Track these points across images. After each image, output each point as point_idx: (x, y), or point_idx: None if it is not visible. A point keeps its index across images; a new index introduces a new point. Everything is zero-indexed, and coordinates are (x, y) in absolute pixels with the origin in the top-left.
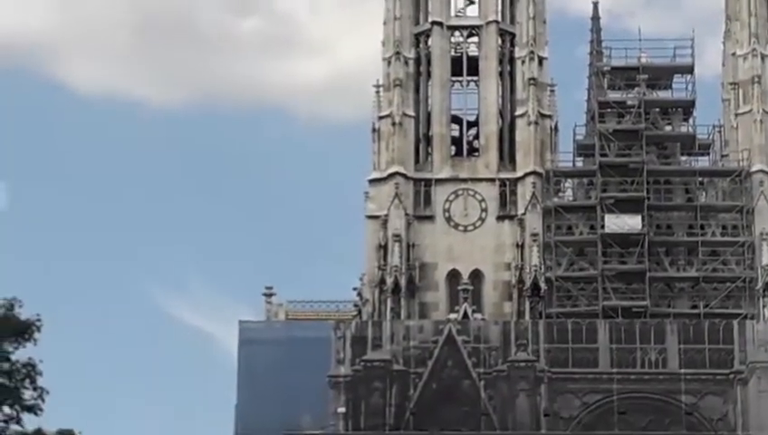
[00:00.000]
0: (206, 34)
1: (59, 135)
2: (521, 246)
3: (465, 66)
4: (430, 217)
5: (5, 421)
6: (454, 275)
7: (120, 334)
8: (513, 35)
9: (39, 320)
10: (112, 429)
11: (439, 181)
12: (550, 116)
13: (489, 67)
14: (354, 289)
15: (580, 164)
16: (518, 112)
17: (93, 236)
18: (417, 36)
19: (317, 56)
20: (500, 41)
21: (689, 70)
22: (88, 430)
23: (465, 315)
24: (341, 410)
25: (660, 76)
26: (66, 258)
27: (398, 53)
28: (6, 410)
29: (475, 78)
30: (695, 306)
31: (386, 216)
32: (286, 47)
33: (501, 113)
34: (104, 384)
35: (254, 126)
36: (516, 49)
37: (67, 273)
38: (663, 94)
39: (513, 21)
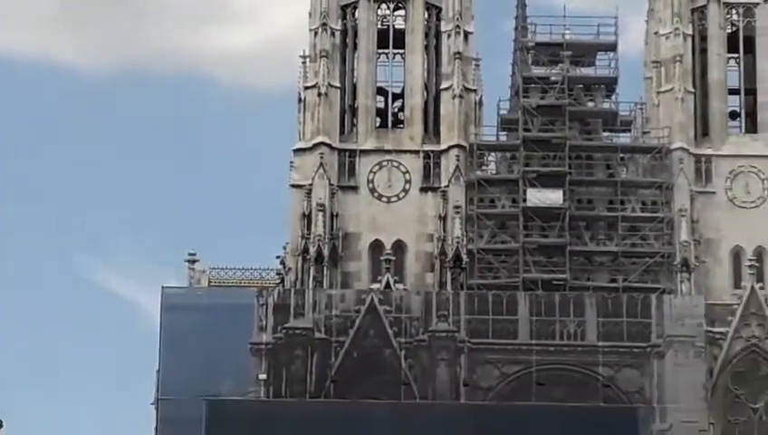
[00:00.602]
0: (134, 1)
1: None
2: (443, 218)
3: (391, 39)
4: (354, 188)
5: None
6: (377, 246)
7: (42, 300)
8: (439, 9)
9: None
10: (32, 395)
11: (364, 152)
12: (474, 90)
13: (415, 40)
14: (277, 257)
15: (503, 138)
16: (443, 86)
17: (16, 203)
18: (343, 8)
19: (245, 25)
20: (426, 14)
21: (613, 47)
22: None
23: (388, 285)
24: (263, 376)
25: (584, 53)
26: None
27: (324, 24)
28: None
29: (401, 51)
30: (614, 280)
31: (310, 185)
32: (214, 15)
33: (426, 86)
34: (25, 350)
35: (180, 93)
36: (442, 23)
37: None
38: (586, 71)
39: None
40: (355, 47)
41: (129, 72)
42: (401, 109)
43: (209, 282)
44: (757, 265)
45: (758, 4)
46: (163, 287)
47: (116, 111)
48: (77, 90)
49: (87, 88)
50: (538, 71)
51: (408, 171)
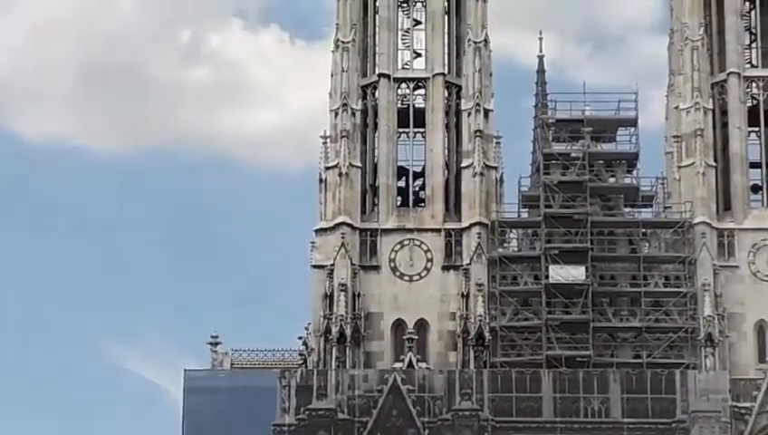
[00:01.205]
0: (153, 83)
1: (5, 184)
2: (466, 296)
3: (411, 118)
4: (376, 267)
5: None
6: (399, 325)
7: (65, 384)
8: (459, 88)
9: None
10: None
11: (385, 231)
12: (495, 167)
13: (435, 119)
14: (299, 338)
15: (524, 215)
16: (464, 164)
17: (39, 285)
18: (364, 88)
19: (264, 106)
20: (446, 93)
21: (633, 123)
22: None
23: (410, 365)
24: None
25: (604, 129)
26: (14, 307)
27: (345, 104)
28: None
29: (421, 130)
30: (637, 356)
31: (332, 265)
32: (234, 97)
33: (447, 165)
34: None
35: (200, 175)
36: (462, 101)
37: (14, 322)
38: (607, 147)
39: (459, 73)
40: (375, 127)
41: (148, 154)
42: (422, 187)
43: (231, 364)
44: None
45: None
46: (185, 370)
47: (137, 193)
48: (96, 172)
49: (105, 170)
50: (559, 147)
51: (429, 250)
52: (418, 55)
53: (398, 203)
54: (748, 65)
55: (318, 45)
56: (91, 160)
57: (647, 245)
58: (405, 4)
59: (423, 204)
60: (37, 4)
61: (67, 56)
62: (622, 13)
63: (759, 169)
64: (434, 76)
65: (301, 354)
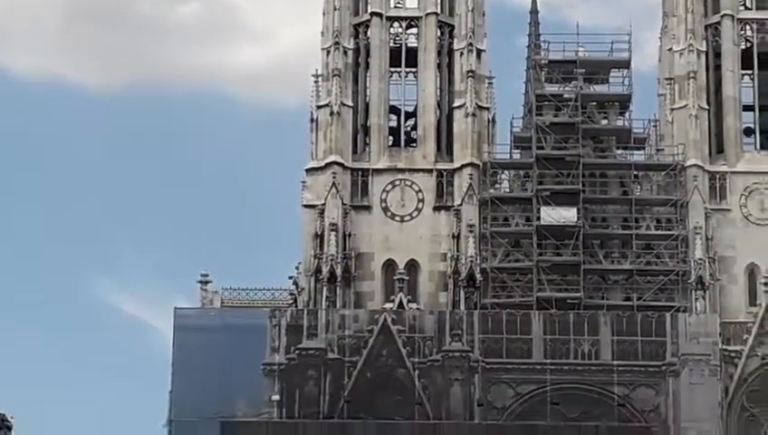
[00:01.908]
0: (145, 20)
1: None
2: (457, 237)
3: (403, 57)
4: (367, 207)
5: None
6: (390, 265)
7: (57, 322)
8: (452, 27)
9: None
10: (46, 414)
11: (376, 171)
12: (487, 108)
13: (428, 59)
14: (290, 277)
15: (516, 156)
16: (456, 104)
17: (29, 222)
18: (356, 27)
19: (257, 44)
20: (439, 33)
21: (626, 64)
22: (21, 414)
23: (401, 305)
24: (276, 397)
25: (597, 70)
26: (3, 245)
27: (337, 43)
28: None
29: (413, 69)
30: (628, 299)
31: (323, 205)
32: (226, 34)
33: (439, 105)
34: (38, 369)
35: (192, 113)
36: (455, 41)
37: (4, 260)
38: (600, 88)
39: (452, 13)
40: (367, 66)
41: (138, 90)
42: (414, 127)
43: (222, 302)
44: None
45: None
46: (175, 308)
47: (128, 129)
48: (87, 108)
49: (96, 106)
50: (551, 88)
51: (420, 190)
52: None
53: (390, 143)
54: (742, 7)
55: None
56: (80, 96)
57: (638, 187)
58: None
59: (414, 144)
60: None
61: None
62: None
63: (752, 113)
64: (426, 15)
65: (291, 294)
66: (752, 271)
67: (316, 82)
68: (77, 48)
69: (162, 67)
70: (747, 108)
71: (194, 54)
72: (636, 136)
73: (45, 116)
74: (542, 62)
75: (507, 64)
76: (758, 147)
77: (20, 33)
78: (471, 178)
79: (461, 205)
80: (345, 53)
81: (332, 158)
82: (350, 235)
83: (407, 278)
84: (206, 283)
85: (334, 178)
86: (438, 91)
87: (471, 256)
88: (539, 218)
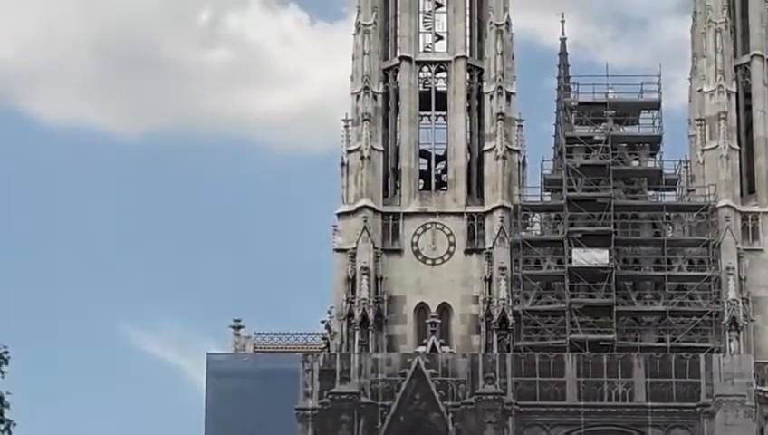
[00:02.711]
0: (172, 65)
1: (24, 167)
2: (489, 280)
3: (433, 101)
4: (398, 251)
5: None
6: (422, 309)
7: (88, 368)
8: (481, 71)
9: (6, 352)
10: None
11: (408, 215)
12: (518, 150)
13: (457, 102)
14: (322, 322)
15: (547, 198)
16: (486, 147)
17: (61, 270)
18: (385, 71)
19: (286, 88)
20: (468, 76)
21: (656, 106)
22: None
23: (434, 349)
24: None
25: (627, 112)
26: (33, 291)
27: (366, 87)
28: None
29: (443, 113)
30: (661, 340)
31: (354, 249)
32: (252, 78)
33: (469, 148)
34: (73, 418)
35: (221, 158)
36: (484, 84)
37: (35, 306)
38: (630, 129)
39: (481, 56)
40: (397, 110)
41: (169, 138)
42: (444, 171)
43: (254, 348)
44: None
45: None
46: (208, 354)
47: (157, 176)
48: (115, 154)
49: (124, 152)
50: (581, 130)
51: (452, 233)
52: (440, 38)
53: (421, 186)
54: None
55: (337, 26)
56: (108, 143)
57: (670, 228)
58: None
59: (445, 187)
60: None
61: (84, 38)
62: None
63: None
64: (455, 59)
65: (323, 338)
66: None
67: (346, 126)
68: (104, 93)
69: (189, 112)
70: None
71: (221, 99)
72: (667, 177)
73: (71, 163)
74: (572, 104)
75: (537, 106)
76: None
77: (46, 79)
78: (502, 221)
79: (492, 248)
80: (375, 97)
81: (363, 202)
82: (381, 278)
83: (439, 321)
84: (239, 328)
85: (365, 221)
86: (468, 134)
87: (503, 299)
88: (571, 260)
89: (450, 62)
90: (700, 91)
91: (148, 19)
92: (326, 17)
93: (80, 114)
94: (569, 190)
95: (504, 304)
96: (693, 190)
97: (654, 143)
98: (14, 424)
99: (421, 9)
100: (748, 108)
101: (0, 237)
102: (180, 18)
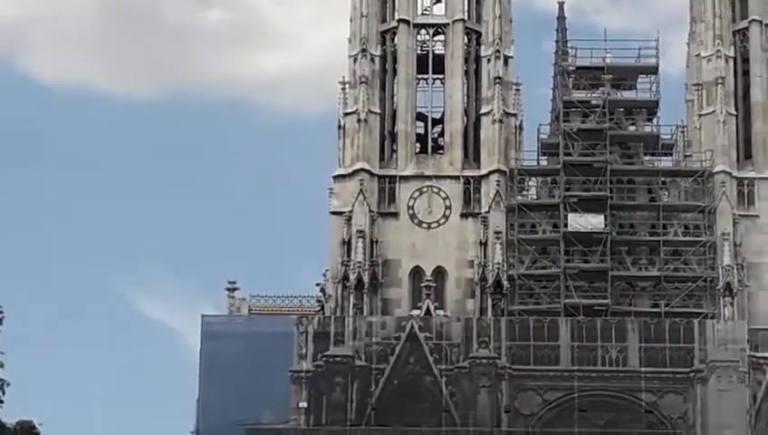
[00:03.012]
0: (170, 25)
1: (25, 127)
2: (484, 244)
3: (430, 64)
4: (394, 214)
5: None
6: (417, 272)
7: (82, 328)
8: (479, 34)
9: (1, 312)
10: (73, 422)
11: (404, 178)
12: (515, 114)
13: (455, 65)
14: (317, 285)
15: (544, 163)
16: (483, 111)
17: (57, 231)
18: (383, 34)
19: (282, 49)
20: (466, 39)
21: (654, 70)
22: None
23: (428, 312)
24: (303, 404)
25: (625, 76)
26: (29, 252)
27: (364, 50)
28: None
29: (440, 76)
30: (656, 305)
31: (350, 212)
32: (249, 39)
33: (466, 111)
34: (66, 377)
35: (218, 118)
36: (482, 48)
37: (30, 267)
38: (627, 94)
39: (479, 20)
40: (394, 73)
41: (166, 97)
42: (441, 134)
43: (249, 310)
44: None
45: None
46: (203, 316)
47: (155, 136)
48: (113, 115)
49: (122, 113)
50: (579, 95)
51: (448, 197)
52: (438, 1)
53: (417, 150)
54: None
55: None
56: (106, 102)
57: (666, 193)
58: None
59: (441, 151)
60: None
61: None
62: None
63: None
64: (453, 22)
65: (318, 301)
66: None
67: (343, 89)
68: (103, 54)
69: (187, 73)
70: None
71: (219, 60)
72: (663, 142)
73: (71, 123)
74: (570, 68)
75: (534, 70)
76: None
77: (45, 40)
78: (498, 185)
79: (488, 212)
80: (372, 60)
81: (360, 165)
82: (377, 242)
83: (434, 285)
84: (234, 290)
85: (362, 185)
86: (465, 97)
87: (498, 263)
88: (566, 225)
89: (448, 25)
90: (698, 56)
91: None
92: None
93: (80, 75)
94: (565, 155)
95: (498, 268)
96: (689, 156)
97: (651, 108)
98: (8, 384)
99: None
100: (746, 73)
101: (1, 199)
102: None
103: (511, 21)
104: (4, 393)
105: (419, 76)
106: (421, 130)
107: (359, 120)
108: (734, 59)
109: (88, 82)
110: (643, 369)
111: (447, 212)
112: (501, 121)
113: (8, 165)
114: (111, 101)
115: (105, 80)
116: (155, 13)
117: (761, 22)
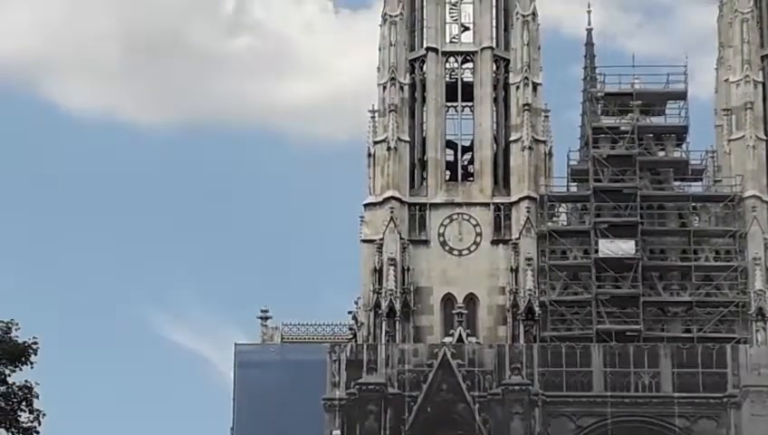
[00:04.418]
0: (197, 54)
1: (53, 156)
2: (515, 271)
3: (459, 92)
4: (425, 242)
5: None
6: (448, 299)
7: (116, 358)
8: (507, 61)
9: (36, 343)
10: None
11: (434, 206)
12: (544, 141)
13: (484, 93)
14: (350, 312)
15: (574, 189)
16: (512, 138)
17: (90, 259)
18: (412, 62)
19: (310, 77)
20: (494, 67)
21: (682, 96)
22: None
23: (460, 339)
24: (337, 432)
25: (653, 102)
26: (63, 281)
27: (393, 78)
28: (3, 432)
29: (469, 103)
30: (688, 330)
31: (381, 240)
32: (277, 67)
33: (495, 138)
34: (101, 407)
35: (247, 147)
36: (511, 75)
37: (64, 296)
38: (656, 120)
39: (507, 47)
40: (424, 100)
41: (195, 126)
42: (471, 161)
43: (282, 338)
44: None
45: None
46: (236, 344)
47: (185, 165)
48: (141, 144)
49: (150, 142)
50: (608, 121)
51: (478, 224)
52: (466, 29)
53: (447, 177)
54: None
55: (362, 14)
56: (133, 131)
57: (697, 218)
58: None
59: (472, 178)
60: None
61: (110, 27)
62: None
63: None
64: (482, 50)
65: (351, 329)
66: None
67: (373, 117)
68: (130, 83)
69: (215, 101)
70: None
71: (247, 88)
72: (693, 167)
73: (99, 152)
74: (598, 94)
75: (562, 95)
76: None
77: (73, 69)
78: (528, 212)
79: (519, 238)
80: (401, 88)
81: (390, 193)
82: (408, 269)
83: (465, 312)
84: (266, 318)
85: (392, 212)
86: (495, 124)
87: (530, 290)
88: (597, 251)
89: (476, 52)
90: (726, 81)
91: (173, 8)
92: (349, 5)
93: (106, 103)
94: (595, 181)
95: (530, 294)
96: (719, 181)
97: (680, 133)
98: (44, 414)
99: (447, 0)
100: None
101: (30, 228)
102: (205, 6)
103: (539, 48)
104: (40, 424)
105: (448, 104)
106: (451, 158)
107: (388, 149)
108: (763, 84)
109: (114, 110)
110: (676, 394)
111: (478, 239)
112: (530, 148)
113: (34, 194)
114: (139, 129)
115: (132, 108)
116: (180, 41)
117: None
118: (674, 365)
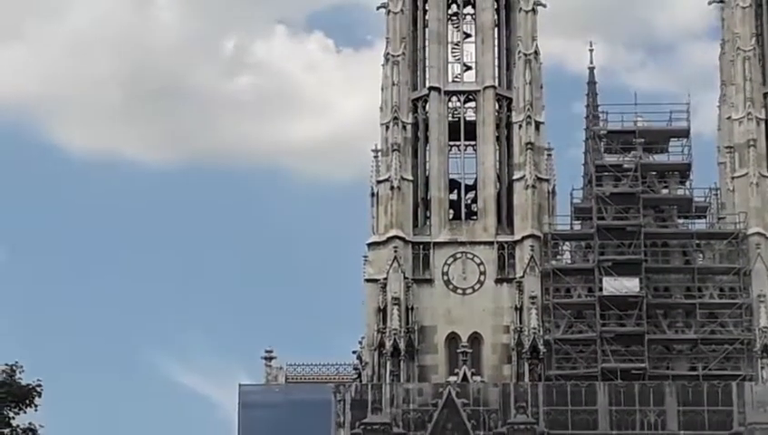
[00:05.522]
0: (198, 94)
1: (56, 198)
2: (519, 309)
3: (462, 131)
4: (429, 281)
5: None
6: (453, 338)
7: (120, 399)
8: (510, 100)
9: (40, 385)
10: None
11: (438, 245)
12: (547, 179)
13: (487, 132)
14: (354, 352)
15: (577, 227)
16: (516, 176)
17: (92, 301)
18: (414, 101)
19: (312, 116)
20: (497, 105)
21: (685, 133)
22: None
23: (465, 378)
24: None
25: (656, 139)
26: (65, 324)
27: (396, 118)
28: None
29: (472, 142)
30: (693, 368)
31: (385, 279)
32: (279, 106)
33: (498, 177)
34: None
35: (249, 187)
36: (513, 114)
37: (67, 339)
38: (659, 157)
39: (509, 86)
40: (426, 140)
41: (197, 167)
42: (474, 200)
43: (286, 378)
44: None
45: None
46: (240, 385)
47: (186, 206)
48: (144, 184)
49: (153, 182)
50: (611, 159)
51: (482, 263)
52: (468, 68)
53: (451, 216)
54: None
55: (363, 53)
56: (136, 173)
57: (701, 256)
58: (454, 18)
59: (475, 217)
60: (79, 16)
61: (111, 69)
62: (673, 19)
63: None
64: (484, 89)
65: (355, 368)
66: None
67: (375, 156)
68: (131, 124)
69: (217, 141)
70: None
71: (248, 128)
72: (697, 205)
73: (102, 194)
74: (601, 132)
75: (565, 132)
76: None
77: (73, 110)
78: (532, 250)
79: (523, 277)
80: (404, 127)
81: (394, 232)
82: (412, 308)
83: (470, 351)
84: (271, 359)
85: (396, 252)
86: (498, 163)
87: (534, 328)
88: (601, 289)
89: (479, 91)
90: (729, 118)
91: (174, 48)
92: (351, 44)
93: (108, 145)
94: (599, 219)
95: (535, 333)
96: (723, 218)
97: (683, 171)
98: None
99: (449, 40)
100: None
101: (34, 268)
102: (206, 47)
103: (541, 87)
104: None
105: (451, 143)
106: (454, 197)
107: (392, 188)
108: (766, 121)
109: (116, 152)
110: (682, 432)
111: (482, 278)
112: (533, 187)
113: (38, 237)
114: (141, 171)
115: (134, 150)
116: (181, 81)
117: None
118: (679, 403)
